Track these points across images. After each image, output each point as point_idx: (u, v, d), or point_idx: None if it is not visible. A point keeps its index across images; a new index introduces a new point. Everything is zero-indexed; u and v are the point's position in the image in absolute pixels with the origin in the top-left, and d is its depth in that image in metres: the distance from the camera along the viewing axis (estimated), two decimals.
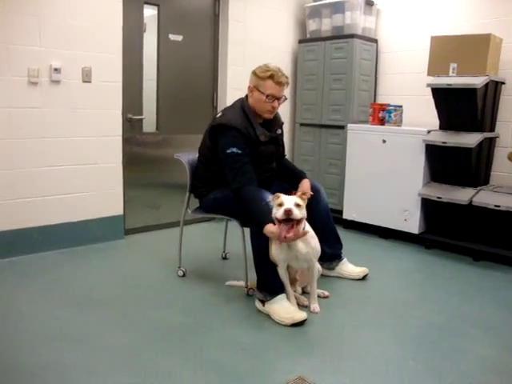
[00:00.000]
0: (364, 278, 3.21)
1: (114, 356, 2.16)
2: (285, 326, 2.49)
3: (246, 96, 2.90)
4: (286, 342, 2.35)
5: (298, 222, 2.45)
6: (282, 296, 2.60)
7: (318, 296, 2.80)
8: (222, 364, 2.13)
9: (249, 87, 2.85)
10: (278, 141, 3.01)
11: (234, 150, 2.69)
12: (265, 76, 2.75)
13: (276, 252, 2.57)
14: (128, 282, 3.07)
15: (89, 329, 2.41)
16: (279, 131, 3.03)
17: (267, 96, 2.75)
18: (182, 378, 2.02)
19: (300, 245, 2.55)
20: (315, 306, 2.69)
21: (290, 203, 2.42)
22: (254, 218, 2.62)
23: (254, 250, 2.64)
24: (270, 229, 2.47)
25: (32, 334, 2.33)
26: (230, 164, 2.72)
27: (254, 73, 2.82)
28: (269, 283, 2.62)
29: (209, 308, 2.72)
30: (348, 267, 3.23)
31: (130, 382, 1.97)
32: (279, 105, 2.86)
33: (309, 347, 2.32)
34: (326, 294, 2.91)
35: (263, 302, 2.63)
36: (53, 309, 2.62)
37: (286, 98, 2.89)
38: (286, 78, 2.82)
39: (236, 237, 2.93)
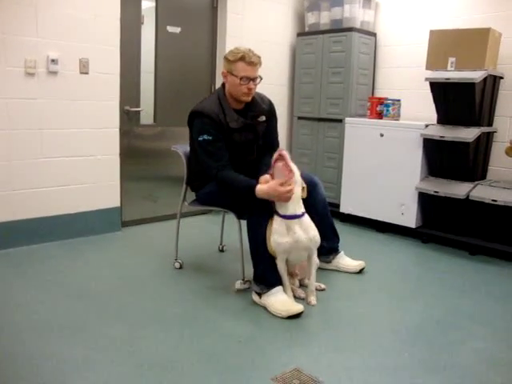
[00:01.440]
0: (361, 271, 3.22)
1: (110, 347, 2.16)
2: (281, 318, 2.50)
3: (223, 85, 2.88)
4: (283, 335, 2.36)
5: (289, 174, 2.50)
6: (279, 288, 2.60)
7: (316, 289, 2.80)
8: (219, 356, 2.14)
9: (222, 73, 2.81)
10: (256, 129, 2.89)
11: (205, 136, 2.70)
12: (235, 58, 2.71)
13: (275, 243, 2.56)
14: (125, 273, 3.07)
15: (85, 320, 2.41)
16: (262, 118, 2.92)
17: (241, 78, 2.71)
18: (179, 369, 2.02)
19: (299, 232, 2.54)
20: (312, 299, 2.70)
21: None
22: (240, 190, 2.63)
23: (251, 242, 2.64)
24: (261, 188, 2.50)
25: (28, 325, 2.33)
26: (202, 152, 2.74)
27: (225, 57, 2.78)
28: (265, 276, 2.62)
29: (205, 300, 2.72)
30: (345, 260, 3.25)
31: (126, 373, 1.97)
32: (256, 86, 2.81)
33: (305, 339, 2.33)
34: (323, 286, 2.91)
35: (260, 295, 2.63)
36: (49, 300, 2.62)
37: (261, 78, 2.81)
38: (258, 57, 2.77)
39: (233, 229, 2.93)
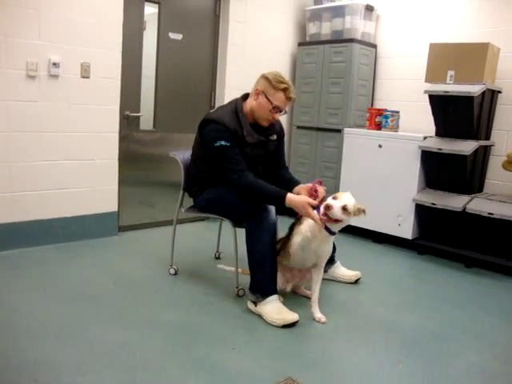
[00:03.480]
0: (356, 281, 3.22)
1: (104, 352, 2.16)
2: (276, 326, 2.50)
3: (243, 97, 2.86)
4: (277, 343, 2.35)
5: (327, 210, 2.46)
6: (274, 297, 2.60)
7: (306, 296, 2.82)
8: (213, 363, 2.13)
9: (256, 89, 2.76)
10: (267, 146, 2.91)
11: (222, 142, 2.67)
12: (278, 87, 2.70)
13: (300, 233, 2.59)
14: (120, 278, 3.06)
15: (80, 324, 2.40)
16: (274, 137, 2.94)
17: (274, 107, 2.72)
18: (173, 375, 2.02)
19: (324, 246, 2.61)
20: (321, 316, 2.64)
21: (339, 202, 2.46)
22: (268, 196, 2.61)
23: (250, 250, 2.64)
24: (293, 199, 2.51)
25: (23, 328, 2.32)
26: (220, 157, 2.70)
27: (267, 78, 2.73)
28: (262, 285, 2.62)
29: (200, 306, 2.72)
30: (341, 270, 3.25)
31: (120, 379, 1.96)
32: (279, 117, 2.84)
33: (299, 349, 2.32)
34: (308, 293, 2.90)
35: (255, 303, 2.63)
36: (45, 303, 2.61)
37: (286, 112, 2.86)
38: (295, 94, 2.80)
39: (230, 237, 2.93)
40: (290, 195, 2.54)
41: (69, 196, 3.63)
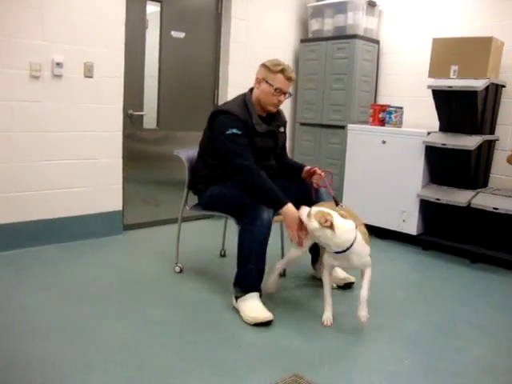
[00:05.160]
0: (346, 286, 3.08)
1: (110, 350, 2.17)
2: (249, 324, 2.48)
3: (250, 90, 2.92)
4: (283, 341, 2.36)
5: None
6: (253, 294, 2.57)
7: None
8: (219, 361, 2.14)
9: (257, 78, 2.85)
10: (276, 135, 2.96)
11: (234, 130, 2.70)
12: (276, 70, 2.77)
13: (328, 259, 2.53)
14: (125, 277, 3.07)
15: (86, 323, 2.42)
16: (282, 129, 3.02)
17: (276, 89, 2.77)
18: (179, 373, 2.03)
19: (354, 257, 2.47)
20: (363, 315, 2.48)
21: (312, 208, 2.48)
22: (267, 194, 2.63)
23: (239, 245, 2.63)
24: (290, 210, 2.58)
25: (29, 327, 2.34)
26: (230, 144, 2.70)
27: (265, 65, 2.82)
28: (244, 280, 2.61)
29: (205, 304, 2.72)
30: (336, 273, 3.07)
31: (126, 377, 1.97)
32: (284, 100, 2.88)
33: (305, 346, 2.33)
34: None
35: (236, 298, 2.62)
36: (50, 303, 2.63)
37: (290, 95, 2.91)
38: (294, 75, 2.86)
39: (235, 234, 2.93)
40: (289, 205, 2.58)
41: (73, 195, 3.64)
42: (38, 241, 3.48)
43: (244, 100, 2.85)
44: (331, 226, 2.37)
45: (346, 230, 2.40)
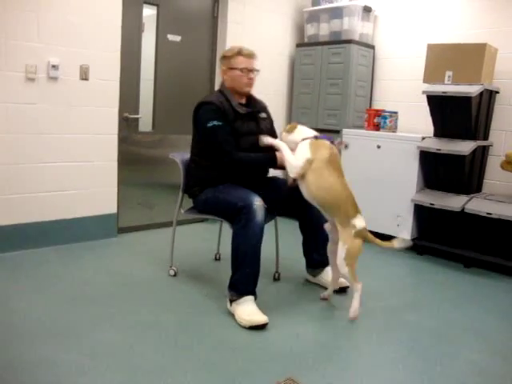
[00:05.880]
0: (341, 290, 3.06)
1: (105, 353, 2.16)
2: (243, 327, 2.48)
3: (223, 83, 3.02)
4: (278, 344, 2.36)
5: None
6: (248, 298, 2.58)
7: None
8: (213, 364, 2.14)
9: (222, 71, 3.00)
10: (257, 119, 3.01)
11: (215, 122, 2.78)
12: (233, 53, 2.93)
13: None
14: (120, 280, 3.06)
15: (80, 326, 2.41)
16: (263, 115, 3.08)
17: (241, 70, 2.90)
18: (173, 376, 2.02)
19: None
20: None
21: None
22: (261, 163, 2.93)
23: (233, 249, 2.64)
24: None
25: (23, 329, 2.33)
26: (213, 137, 2.81)
27: (223, 56, 3.00)
28: (239, 284, 2.61)
29: (200, 308, 2.72)
30: (328, 276, 3.09)
31: (120, 380, 1.97)
32: (255, 77, 2.97)
33: (300, 349, 2.33)
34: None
35: (231, 302, 2.63)
36: (45, 305, 2.62)
37: (258, 70, 3.00)
38: (252, 51, 2.98)
39: (230, 238, 2.94)
40: (276, 153, 2.80)
41: (68, 198, 3.63)
42: (33, 243, 3.46)
43: (220, 90, 2.98)
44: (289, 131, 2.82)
45: (303, 133, 2.80)
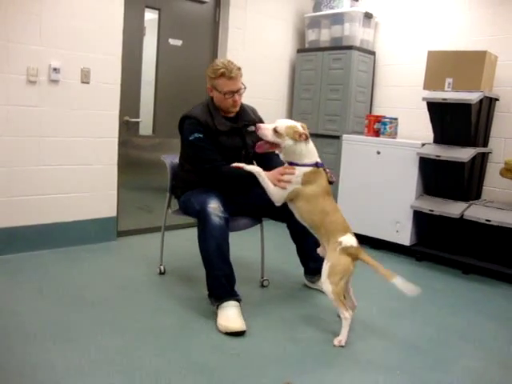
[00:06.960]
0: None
1: (103, 356, 2.16)
2: (223, 333, 2.46)
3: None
4: (275, 348, 2.36)
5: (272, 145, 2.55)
6: (231, 303, 2.54)
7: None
8: (211, 368, 2.13)
9: (208, 88, 2.90)
10: (243, 135, 2.92)
11: (196, 134, 2.77)
12: (217, 75, 2.78)
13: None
14: (119, 283, 3.06)
15: (78, 329, 2.40)
16: (252, 128, 2.86)
17: (225, 94, 2.79)
18: (171, 380, 2.02)
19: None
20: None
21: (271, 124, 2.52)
22: (245, 178, 2.68)
23: (201, 254, 2.62)
24: (266, 172, 2.64)
25: (22, 332, 2.32)
26: (195, 149, 2.79)
27: (207, 74, 2.86)
28: (213, 289, 2.61)
29: (199, 312, 2.71)
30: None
31: (118, 383, 1.97)
32: (240, 96, 2.87)
33: (298, 354, 2.32)
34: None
35: (216, 306, 2.61)
36: (44, 308, 2.62)
37: (245, 88, 2.87)
38: (238, 69, 2.81)
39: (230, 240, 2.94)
40: (261, 170, 2.64)
41: (68, 201, 3.64)
42: (32, 246, 3.46)
43: (207, 103, 2.90)
44: (306, 139, 2.48)
45: (308, 156, 2.55)
